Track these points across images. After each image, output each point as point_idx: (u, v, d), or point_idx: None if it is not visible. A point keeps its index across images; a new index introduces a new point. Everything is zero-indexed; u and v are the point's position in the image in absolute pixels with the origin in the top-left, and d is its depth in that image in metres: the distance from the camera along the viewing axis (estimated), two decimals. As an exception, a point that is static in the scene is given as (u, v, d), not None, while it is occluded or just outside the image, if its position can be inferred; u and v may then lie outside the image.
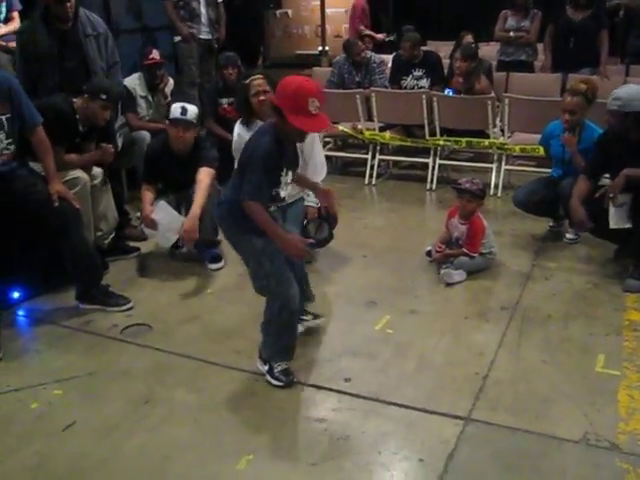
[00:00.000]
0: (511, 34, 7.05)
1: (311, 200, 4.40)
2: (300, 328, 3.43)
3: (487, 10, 8.14)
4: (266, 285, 3.05)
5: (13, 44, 5.34)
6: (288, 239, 2.94)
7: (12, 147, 3.64)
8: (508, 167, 6.00)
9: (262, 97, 4.10)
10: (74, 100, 4.18)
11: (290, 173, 3.04)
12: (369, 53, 6.96)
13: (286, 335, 3.13)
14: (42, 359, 3.46)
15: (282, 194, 3.04)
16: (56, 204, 3.65)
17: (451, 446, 2.67)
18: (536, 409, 2.88)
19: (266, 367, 3.18)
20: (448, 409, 2.90)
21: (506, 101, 5.72)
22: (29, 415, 2.98)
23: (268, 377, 3.15)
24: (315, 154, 4.34)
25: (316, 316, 3.62)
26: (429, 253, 4.42)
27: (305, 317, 3.56)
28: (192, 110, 4.35)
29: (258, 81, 4.10)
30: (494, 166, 5.95)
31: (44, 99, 4.20)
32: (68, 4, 4.32)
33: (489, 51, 7.68)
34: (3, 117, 3.57)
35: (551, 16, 6.91)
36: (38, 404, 3.05)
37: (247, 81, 4.14)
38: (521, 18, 7.03)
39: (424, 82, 6.60)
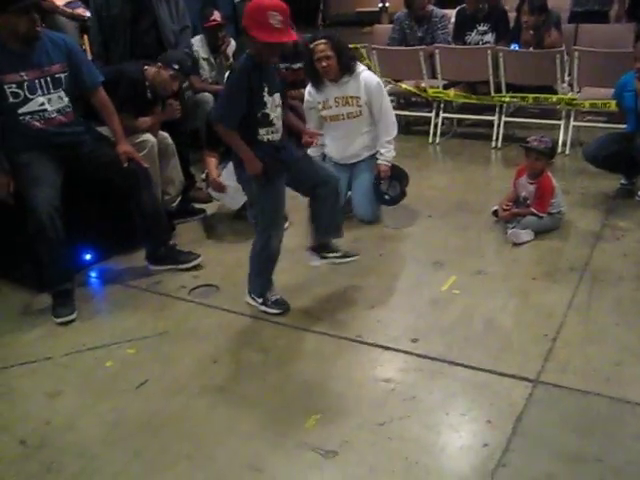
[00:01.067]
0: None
1: (383, 158, 4.38)
2: (319, 262, 3.61)
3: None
4: (259, 219, 3.30)
5: (79, 11, 5.43)
6: (251, 160, 3.07)
7: (71, 105, 3.69)
8: (577, 123, 5.80)
9: (324, 63, 4.17)
10: (146, 67, 4.23)
11: (276, 95, 3.10)
12: (431, 7, 6.76)
13: (269, 270, 3.42)
14: (114, 319, 3.56)
15: (271, 116, 3.08)
16: (125, 165, 3.71)
17: (519, 408, 2.64)
18: (607, 372, 2.81)
19: (260, 300, 3.45)
20: (516, 371, 2.86)
21: (576, 54, 5.51)
22: (104, 373, 3.09)
23: (264, 308, 3.43)
24: (384, 113, 4.36)
25: (345, 255, 3.63)
26: (495, 213, 4.34)
27: (330, 254, 3.60)
28: None
29: (320, 46, 4.13)
30: (562, 123, 5.77)
31: (117, 66, 4.27)
32: None
33: (558, 1, 7.37)
34: (62, 75, 3.62)
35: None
36: (112, 362, 3.16)
37: (312, 45, 4.16)
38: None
39: (489, 37, 6.39)
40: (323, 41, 4.16)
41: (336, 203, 3.49)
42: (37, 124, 3.57)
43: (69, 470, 2.51)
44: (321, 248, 3.60)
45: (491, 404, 2.69)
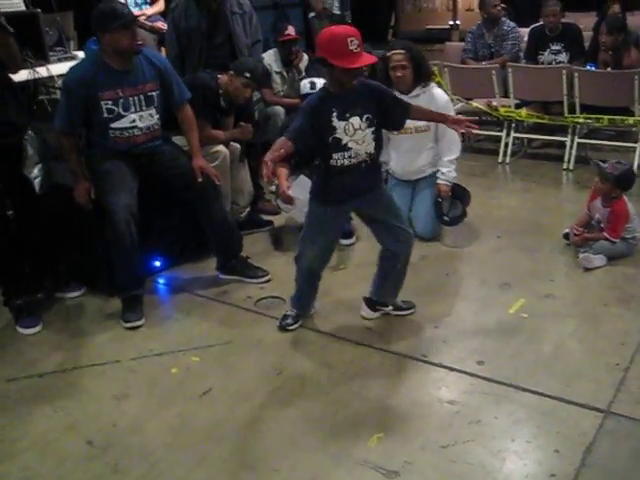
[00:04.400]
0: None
1: (444, 178, 4.35)
2: (371, 315, 3.54)
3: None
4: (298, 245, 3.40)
5: (158, 24, 5.59)
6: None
7: (160, 122, 3.80)
8: (654, 146, 5.63)
9: (399, 73, 4.19)
10: (219, 76, 4.32)
11: (357, 118, 3.03)
12: (504, 18, 6.79)
13: (297, 284, 3.47)
14: (181, 326, 3.62)
15: (345, 140, 3.03)
16: (199, 179, 3.78)
17: (589, 439, 2.56)
18: (683, 406, 2.72)
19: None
20: (586, 400, 2.78)
21: (655, 75, 5.36)
22: (170, 379, 3.14)
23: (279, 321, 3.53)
24: (449, 131, 4.28)
25: (399, 307, 3.55)
26: (566, 236, 4.24)
27: (383, 307, 3.54)
28: (321, 83, 4.37)
29: (398, 56, 4.14)
30: (638, 145, 5.60)
31: (191, 75, 4.38)
32: None
33: (636, 21, 7.19)
34: (154, 93, 3.73)
35: None
36: (178, 369, 3.20)
37: (389, 54, 4.18)
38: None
39: (563, 57, 6.28)
40: (401, 51, 4.18)
41: (404, 269, 3.41)
42: (124, 139, 3.68)
43: (134, 472, 2.56)
44: (375, 303, 3.55)
45: (558, 433, 2.62)
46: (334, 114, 3.01)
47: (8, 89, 3.45)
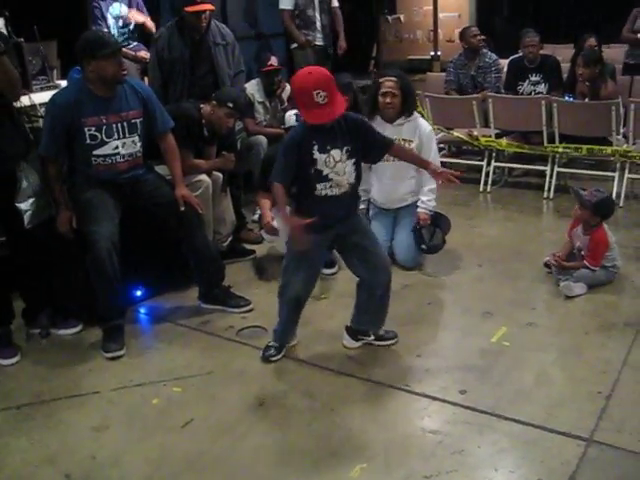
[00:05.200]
0: (638, 36, 6.70)
1: (424, 206, 4.38)
2: (353, 344, 3.53)
3: (609, 9, 7.82)
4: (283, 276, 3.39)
5: (142, 53, 5.61)
6: (288, 221, 3.11)
7: (142, 150, 3.80)
8: (631, 176, 5.70)
9: (389, 99, 4.27)
10: (202, 106, 4.35)
11: (337, 151, 3.08)
12: (485, 50, 6.92)
13: (281, 315, 3.45)
14: (162, 356, 3.59)
15: (325, 172, 3.08)
16: (182, 208, 3.78)
17: (572, 467, 2.56)
18: (665, 434, 2.72)
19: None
20: (569, 428, 2.78)
21: (632, 106, 5.45)
22: (151, 410, 3.10)
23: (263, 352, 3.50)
24: (432, 161, 4.31)
25: (380, 338, 3.54)
26: (547, 264, 4.27)
27: (365, 337, 3.54)
28: None
29: (390, 83, 4.23)
30: (616, 175, 5.67)
31: (175, 104, 4.41)
32: (203, 16, 4.54)
33: (612, 53, 7.35)
34: (137, 121, 3.74)
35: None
36: (159, 400, 3.17)
37: (381, 80, 4.27)
38: (653, 18, 6.69)
39: (542, 87, 6.39)
40: (393, 78, 4.26)
41: (384, 297, 3.41)
42: (107, 167, 3.67)
43: (113, 507, 2.52)
44: (357, 332, 3.55)
45: (542, 462, 2.62)
46: (315, 147, 3.06)
47: (7, 116, 3.44)
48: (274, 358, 3.44)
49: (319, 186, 3.10)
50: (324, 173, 3.08)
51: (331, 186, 3.12)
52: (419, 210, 4.42)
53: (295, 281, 3.32)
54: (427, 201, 4.40)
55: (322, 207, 3.14)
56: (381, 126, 4.27)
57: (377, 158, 3.39)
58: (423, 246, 4.43)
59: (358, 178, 3.23)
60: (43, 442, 2.90)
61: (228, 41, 4.79)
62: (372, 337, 3.53)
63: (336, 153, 3.09)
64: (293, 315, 3.45)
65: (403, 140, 4.36)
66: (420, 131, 4.37)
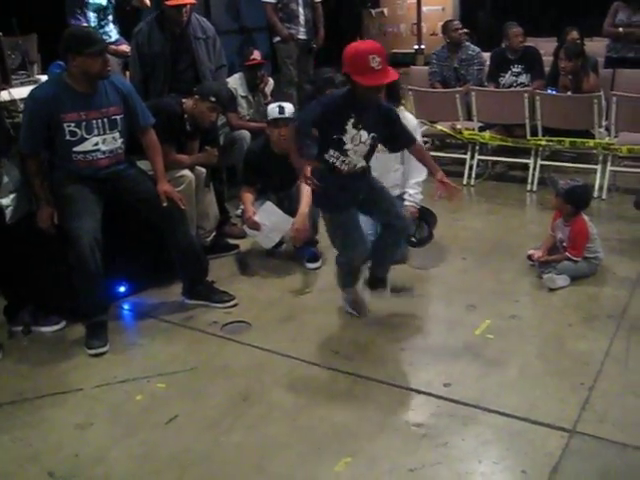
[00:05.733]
0: (620, 30, 6.73)
1: (411, 199, 4.37)
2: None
3: (591, 2, 7.84)
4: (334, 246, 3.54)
5: (123, 47, 5.57)
6: (301, 168, 3.14)
7: (123, 147, 3.78)
8: (614, 168, 5.74)
9: None
10: (184, 100, 4.32)
11: (365, 133, 3.17)
12: (467, 42, 6.98)
13: (343, 273, 3.64)
14: (146, 352, 3.57)
15: (347, 145, 3.16)
16: (164, 204, 3.76)
17: (555, 459, 2.58)
18: (647, 424, 2.74)
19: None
20: (552, 420, 2.80)
21: (613, 99, 5.49)
22: (135, 406, 3.08)
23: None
24: None
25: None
26: (531, 257, 4.29)
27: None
28: (289, 107, 4.40)
29: None
30: (599, 167, 5.70)
31: (156, 99, 4.38)
32: (184, 9, 4.51)
33: (594, 47, 7.38)
34: (118, 117, 3.71)
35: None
36: (143, 396, 3.15)
37: None
38: (633, 11, 6.67)
39: (523, 78, 6.44)
40: None
41: (396, 245, 3.61)
42: (87, 163, 3.65)
43: (97, 504, 2.50)
44: (376, 281, 3.69)
45: (525, 453, 2.63)
46: (351, 120, 3.13)
47: None
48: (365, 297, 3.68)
49: (330, 151, 3.19)
50: (345, 146, 3.17)
51: (343, 161, 3.20)
52: (406, 204, 4.40)
53: (348, 254, 3.48)
54: (414, 194, 4.39)
55: (339, 183, 3.25)
56: None
57: (397, 149, 3.62)
58: (412, 239, 4.42)
59: (366, 168, 3.36)
60: (26, 440, 2.87)
61: (209, 35, 4.77)
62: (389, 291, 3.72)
63: (364, 134, 3.17)
64: (354, 268, 3.58)
65: None
66: (408, 123, 4.35)
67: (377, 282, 3.67)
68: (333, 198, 3.29)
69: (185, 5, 4.53)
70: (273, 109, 4.41)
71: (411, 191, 4.39)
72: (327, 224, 3.50)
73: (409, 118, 4.43)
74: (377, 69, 2.96)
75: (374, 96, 3.15)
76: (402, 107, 4.49)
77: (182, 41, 4.66)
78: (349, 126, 3.13)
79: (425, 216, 4.46)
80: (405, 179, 4.44)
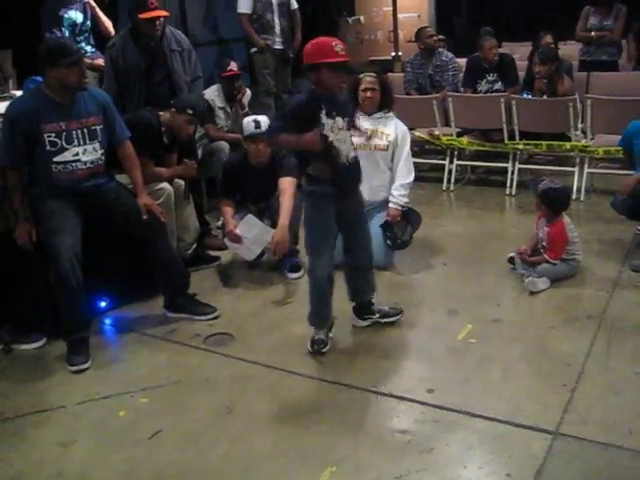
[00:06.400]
0: (592, 34, 6.82)
1: (394, 201, 4.39)
2: (364, 323, 3.70)
3: (565, 7, 7.93)
4: (306, 244, 3.49)
5: (99, 61, 5.55)
6: (307, 137, 3.19)
7: (103, 158, 3.77)
8: (591, 170, 5.79)
9: (369, 94, 4.41)
10: (160, 113, 4.32)
11: (339, 119, 3.27)
12: (441, 49, 7.06)
13: (313, 300, 3.46)
14: (128, 367, 3.55)
15: (330, 138, 3.23)
16: (145, 217, 3.75)
17: (539, 461, 2.59)
18: (629, 424, 2.76)
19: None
20: (535, 422, 2.81)
21: (588, 102, 5.55)
22: (118, 422, 3.06)
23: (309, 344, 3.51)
24: (406, 157, 4.48)
25: (386, 314, 3.71)
26: (511, 260, 4.31)
27: (371, 316, 3.70)
28: (264, 120, 4.39)
29: (370, 78, 4.37)
30: (576, 169, 5.76)
31: (133, 113, 4.38)
32: (157, 22, 4.51)
33: (568, 50, 7.46)
34: (97, 128, 3.71)
35: (637, 11, 6.65)
36: (126, 412, 3.13)
37: (361, 75, 4.39)
38: (604, 16, 6.77)
39: (498, 85, 6.47)
40: (373, 74, 4.40)
41: (369, 268, 3.63)
42: (68, 174, 3.64)
43: (81, 523, 2.48)
44: (361, 310, 3.70)
45: (510, 457, 2.64)
46: (323, 111, 3.21)
47: None
48: (325, 349, 3.48)
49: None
50: (329, 139, 3.23)
51: (334, 154, 3.27)
52: (390, 205, 4.42)
53: (323, 258, 3.41)
54: (399, 196, 4.40)
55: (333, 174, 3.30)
56: (360, 119, 4.26)
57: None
58: (388, 241, 4.42)
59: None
60: (7, 461, 2.84)
61: (184, 47, 4.78)
62: (377, 315, 3.69)
63: (339, 120, 3.27)
64: (326, 292, 3.48)
65: (381, 132, 4.45)
66: (397, 127, 4.49)
67: (365, 310, 3.71)
68: (319, 185, 3.34)
69: (159, 18, 4.53)
70: (249, 124, 4.40)
71: (395, 192, 4.41)
72: (307, 221, 3.46)
73: (400, 123, 4.51)
74: (341, 53, 3.15)
75: (337, 82, 3.23)
76: (392, 113, 4.53)
77: (157, 54, 4.66)
78: (323, 118, 3.21)
79: (409, 217, 4.47)
80: (392, 183, 4.47)
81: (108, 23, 5.77)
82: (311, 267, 3.45)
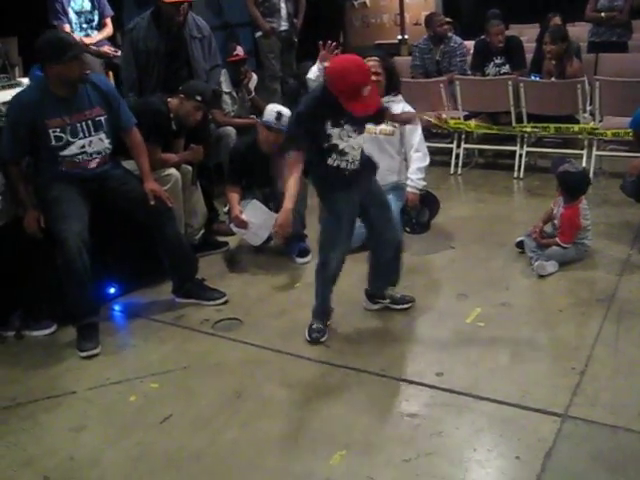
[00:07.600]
0: (602, 14, 6.74)
1: (412, 185, 4.37)
2: (375, 306, 3.72)
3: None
4: (320, 236, 3.47)
5: (105, 48, 5.54)
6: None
7: (111, 147, 3.76)
8: (599, 152, 5.76)
9: (373, 78, 4.22)
10: (169, 99, 4.30)
11: (348, 126, 3.19)
12: (450, 33, 6.97)
13: (324, 292, 3.48)
14: (138, 353, 3.57)
15: (341, 146, 3.21)
16: (152, 202, 3.75)
17: (549, 444, 2.59)
18: (638, 406, 2.76)
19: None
20: (544, 405, 2.82)
21: (597, 84, 5.50)
22: (128, 407, 3.08)
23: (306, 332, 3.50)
24: (420, 142, 4.45)
25: (397, 301, 3.71)
26: (519, 244, 4.30)
27: (382, 300, 3.70)
28: (286, 116, 4.28)
29: (372, 62, 4.19)
30: (584, 152, 5.72)
31: (141, 99, 4.37)
32: (181, 7, 4.48)
33: (576, 32, 7.39)
34: (102, 118, 3.70)
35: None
36: (136, 397, 3.15)
37: (364, 61, 4.24)
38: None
39: (506, 68, 6.41)
40: (375, 58, 4.26)
41: (396, 258, 3.62)
42: (74, 166, 3.64)
43: (93, 507, 2.50)
44: (374, 295, 3.72)
45: (519, 439, 2.65)
46: (328, 122, 3.16)
47: None
48: (323, 339, 3.46)
49: (330, 159, 3.23)
50: (340, 147, 3.21)
51: (346, 160, 3.26)
52: (408, 190, 4.39)
53: (335, 256, 3.39)
54: (417, 179, 4.37)
55: (336, 175, 3.28)
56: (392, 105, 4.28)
57: None
58: (407, 228, 4.41)
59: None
60: (20, 445, 2.87)
61: (205, 34, 4.77)
62: (388, 300, 3.69)
63: (348, 127, 3.20)
64: (330, 288, 3.50)
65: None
66: (405, 111, 4.39)
67: (378, 295, 3.72)
68: (334, 182, 3.32)
69: (182, 3, 4.50)
70: (271, 113, 4.35)
71: (413, 176, 4.40)
72: (324, 211, 3.49)
73: (407, 108, 4.45)
74: (366, 95, 3.03)
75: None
76: (400, 96, 4.49)
77: (178, 39, 4.63)
78: (329, 128, 3.16)
79: (427, 201, 4.45)
80: (403, 167, 4.44)
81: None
82: (324, 260, 3.42)
